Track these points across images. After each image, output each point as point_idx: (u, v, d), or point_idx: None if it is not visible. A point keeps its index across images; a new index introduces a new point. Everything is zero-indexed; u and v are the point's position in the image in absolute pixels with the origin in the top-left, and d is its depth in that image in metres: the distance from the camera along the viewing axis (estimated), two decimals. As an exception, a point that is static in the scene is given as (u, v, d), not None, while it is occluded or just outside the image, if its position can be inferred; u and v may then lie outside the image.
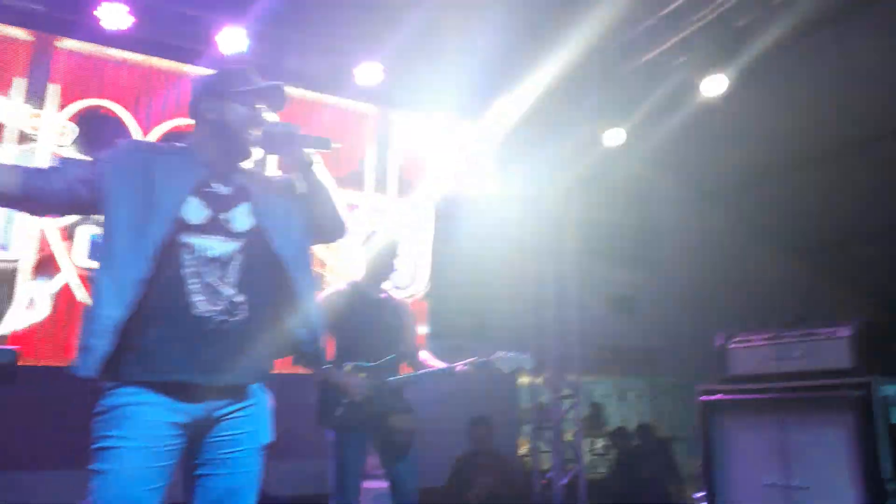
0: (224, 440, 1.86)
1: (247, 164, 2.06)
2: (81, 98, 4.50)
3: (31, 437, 4.32)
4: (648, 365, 8.24)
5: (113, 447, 1.71)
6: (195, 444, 1.85)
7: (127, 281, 1.75)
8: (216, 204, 1.91)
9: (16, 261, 4.13)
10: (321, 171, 2.05)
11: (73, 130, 4.42)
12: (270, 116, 2.04)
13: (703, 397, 3.90)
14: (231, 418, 1.86)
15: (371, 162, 5.51)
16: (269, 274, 1.91)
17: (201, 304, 1.80)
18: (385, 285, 3.51)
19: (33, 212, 1.99)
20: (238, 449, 1.87)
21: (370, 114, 5.55)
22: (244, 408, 1.88)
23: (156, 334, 1.76)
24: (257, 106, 2.01)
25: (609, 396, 9.10)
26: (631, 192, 8.09)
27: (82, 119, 4.47)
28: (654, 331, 7.82)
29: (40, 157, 4.29)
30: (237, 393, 1.87)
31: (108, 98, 4.57)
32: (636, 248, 8.11)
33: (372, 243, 3.50)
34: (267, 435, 1.94)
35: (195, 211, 1.87)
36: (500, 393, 6.22)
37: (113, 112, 4.57)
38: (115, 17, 4.27)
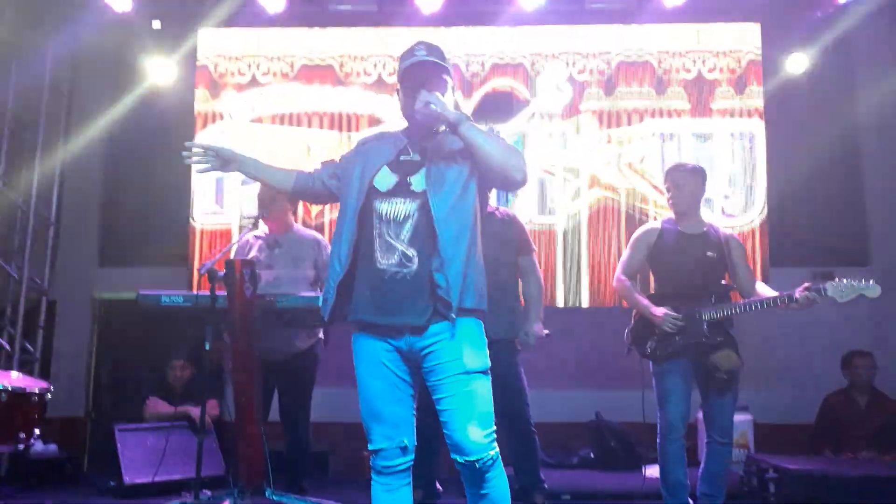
0: (433, 370, 2.12)
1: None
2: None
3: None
4: None
5: (356, 372, 2.19)
6: (419, 373, 2.18)
7: (344, 246, 2.18)
8: (404, 170, 2.20)
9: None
10: (473, 130, 2.13)
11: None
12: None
13: None
14: (430, 351, 2.11)
15: (681, 59, 5.18)
16: (431, 228, 2.12)
17: (380, 258, 2.13)
18: (709, 217, 3.40)
19: (307, 200, 2.61)
20: (445, 376, 2.10)
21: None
22: (437, 342, 2.10)
23: (359, 285, 2.17)
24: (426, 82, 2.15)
25: None
26: None
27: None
28: None
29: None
30: (421, 331, 2.11)
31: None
32: None
33: (669, 178, 3.39)
34: (471, 361, 2.09)
35: (384, 179, 2.20)
36: (893, 324, 5.40)
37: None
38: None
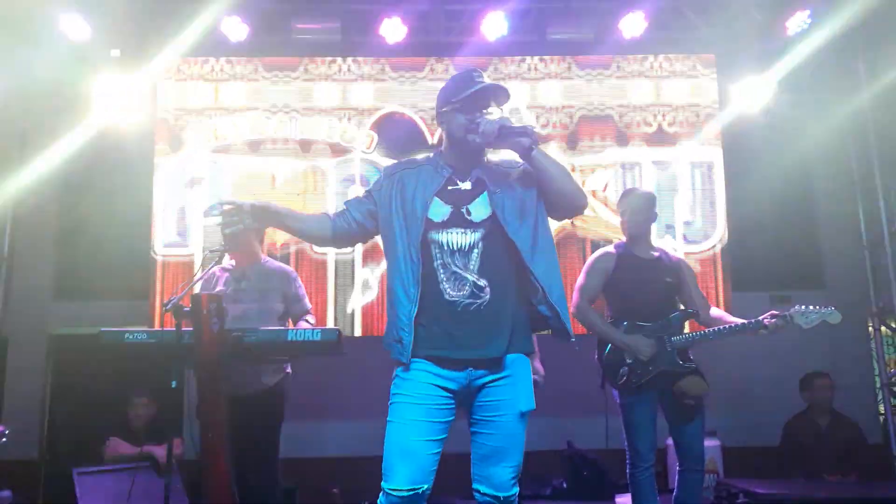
0: (488, 405, 2.11)
1: (490, 156, 2.26)
2: (378, 108, 5.20)
3: (357, 395, 5.18)
4: None
5: (397, 402, 2.11)
6: (468, 406, 2.14)
7: (410, 281, 2.11)
8: (457, 199, 2.17)
9: (351, 251, 4.96)
10: (543, 154, 2.16)
11: (375, 137, 5.14)
12: (496, 111, 2.20)
13: None
14: (492, 386, 2.10)
15: (642, 113, 5.30)
16: (508, 257, 2.12)
17: (449, 290, 2.08)
18: (664, 243, 3.42)
19: (339, 246, 2.52)
20: (499, 414, 2.10)
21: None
22: (502, 378, 2.10)
23: (425, 319, 2.10)
24: (490, 106, 2.18)
25: None
26: None
27: (381, 126, 5.16)
28: None
29: (355, 165, 5.10)
30: (493, 364, 2.10)
31: (398, 103, 5.21)
32: None
33: (624, 203, 3.41)
34: (527, 402, 2.12)
35: (438, 210, 2.16)
36: (849, 346, 5.54)
37: (405, 114, 5.18)
38: (393, 30, 4.89)
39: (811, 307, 3.13)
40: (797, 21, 4.91)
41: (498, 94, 2.22)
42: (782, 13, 4.95)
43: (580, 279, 3.38)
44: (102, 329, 3.16)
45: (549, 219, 2.25)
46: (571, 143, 5.23)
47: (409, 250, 2.12)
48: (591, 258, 3.45)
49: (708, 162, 5.26)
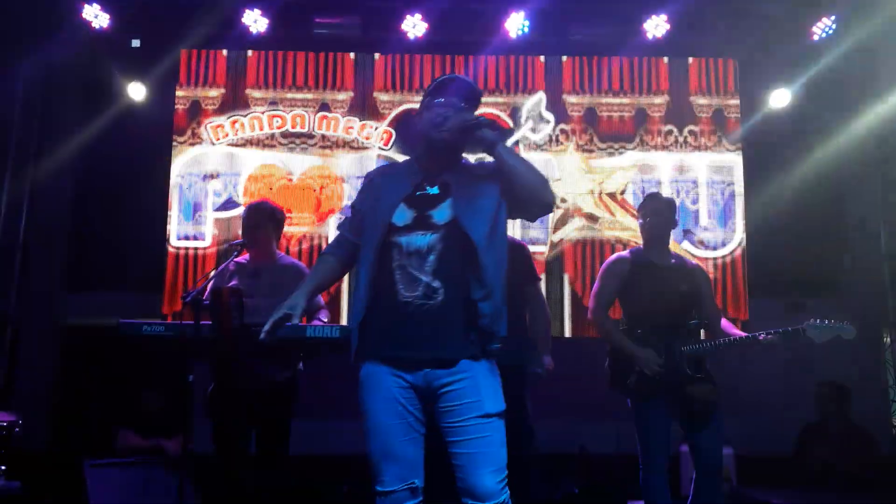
0: (448, 410, 2.05)
1: (468, 158, 2.25)
2: (396, 105, 5.18)
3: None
4: None
5: (366, 409, 2.11)
6: (434, 413, 2.08)
7: (363, 284, 2.13)
8: (422, 204, 2.14)
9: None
10: (508, 150, 2.14)
11: (393, 134, 5.12)
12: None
13: None
14: (450, 390, 2.04)
15: (665, 120, 5.27)
16: (465, 258, 2.07)
17: (402, 290, 2.06)
18: (682, 249, 3.36)
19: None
20: (462, 419, 2.03)
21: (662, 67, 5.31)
22: (460, 380, 2.04)
23: (378, 320, 2.10)
24: (457, 103, 2.14)
25: None
26: None
27: (399, 122, 5.14)
28: None
29: (372, 161, 5.11)
30: (447, 365, 2.05)
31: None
32: None
33: (646, 206, 3.36)
34: (491, 405, 2.05)
35: (402, 214, 2.13)
36: (865, 356, 5.48)
37: (424, 112, 5.16)
38: (414, 26, 4.88)
39: (826, 321, 3.03)
40: (822, 26, 4.88)
41: (464, 88, 2.19)
42: (806, 19, 4.92)
43: (596, 284, 3.32)
44: (120, 321, 3.14)
45: (523, 220, 2.21)
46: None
47: (369, 253, 2.13)
48: (605, 263, 3.38)
49: (728, 167, 5.22)
